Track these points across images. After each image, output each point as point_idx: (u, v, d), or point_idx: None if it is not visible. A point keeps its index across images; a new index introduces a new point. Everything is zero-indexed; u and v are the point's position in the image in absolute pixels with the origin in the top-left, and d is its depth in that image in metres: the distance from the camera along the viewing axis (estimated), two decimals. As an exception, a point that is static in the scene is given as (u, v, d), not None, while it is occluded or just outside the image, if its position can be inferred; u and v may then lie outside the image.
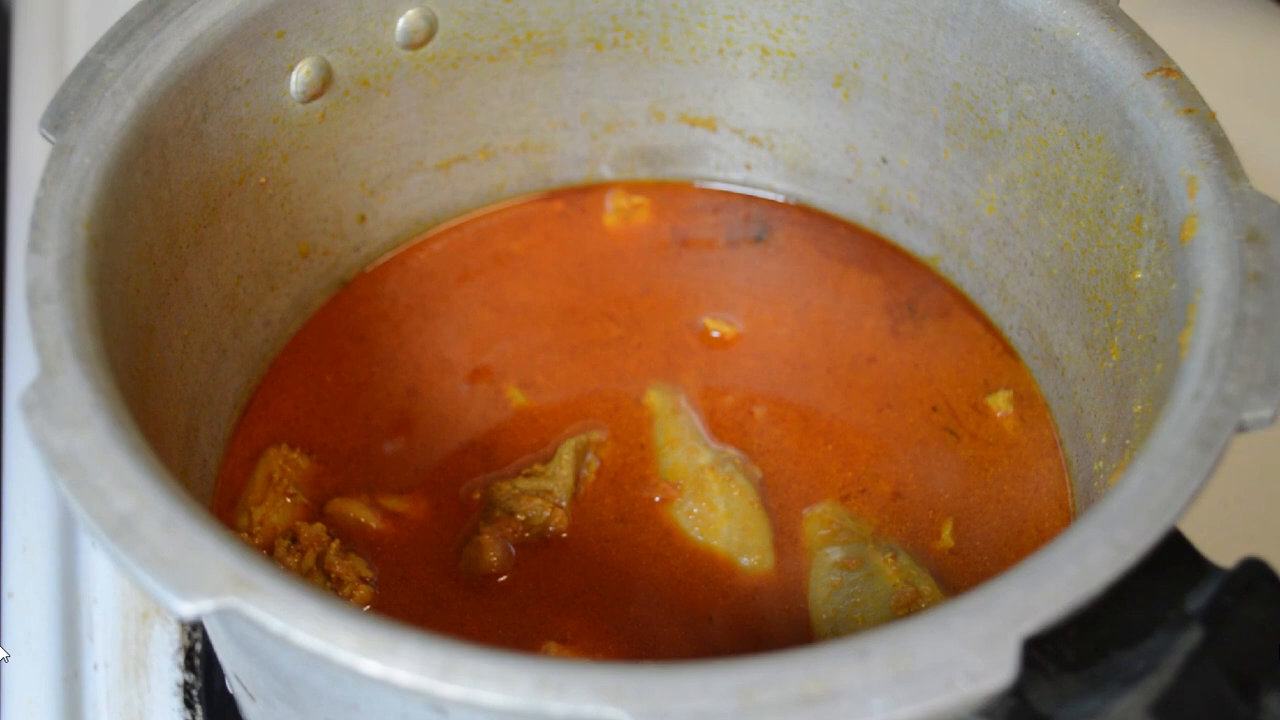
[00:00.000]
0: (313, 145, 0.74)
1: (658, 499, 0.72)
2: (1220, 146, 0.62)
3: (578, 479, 0.72)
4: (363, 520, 0.71)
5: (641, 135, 0.83)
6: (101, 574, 0.80)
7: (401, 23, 0.74)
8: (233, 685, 0.68)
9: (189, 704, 0.76)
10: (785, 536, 0.71)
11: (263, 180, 0.73)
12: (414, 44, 0.75)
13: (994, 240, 0.76)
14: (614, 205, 0.83)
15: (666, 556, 0.70)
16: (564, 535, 0.71)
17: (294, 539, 0.70)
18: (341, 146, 0.76)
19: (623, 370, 0.77)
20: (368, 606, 0.68)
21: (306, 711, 0.58)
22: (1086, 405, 0.71)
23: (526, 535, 0.71)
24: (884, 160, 0.79)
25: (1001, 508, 0.72)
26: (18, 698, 0.76)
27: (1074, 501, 0.72)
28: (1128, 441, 0.64)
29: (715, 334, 0.79)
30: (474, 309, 0.79)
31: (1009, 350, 0.77)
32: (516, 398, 0.76)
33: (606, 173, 0.84)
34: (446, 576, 0.70)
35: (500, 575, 0.70)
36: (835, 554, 0.70)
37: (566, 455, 0.72)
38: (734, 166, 0.83)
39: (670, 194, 0.84)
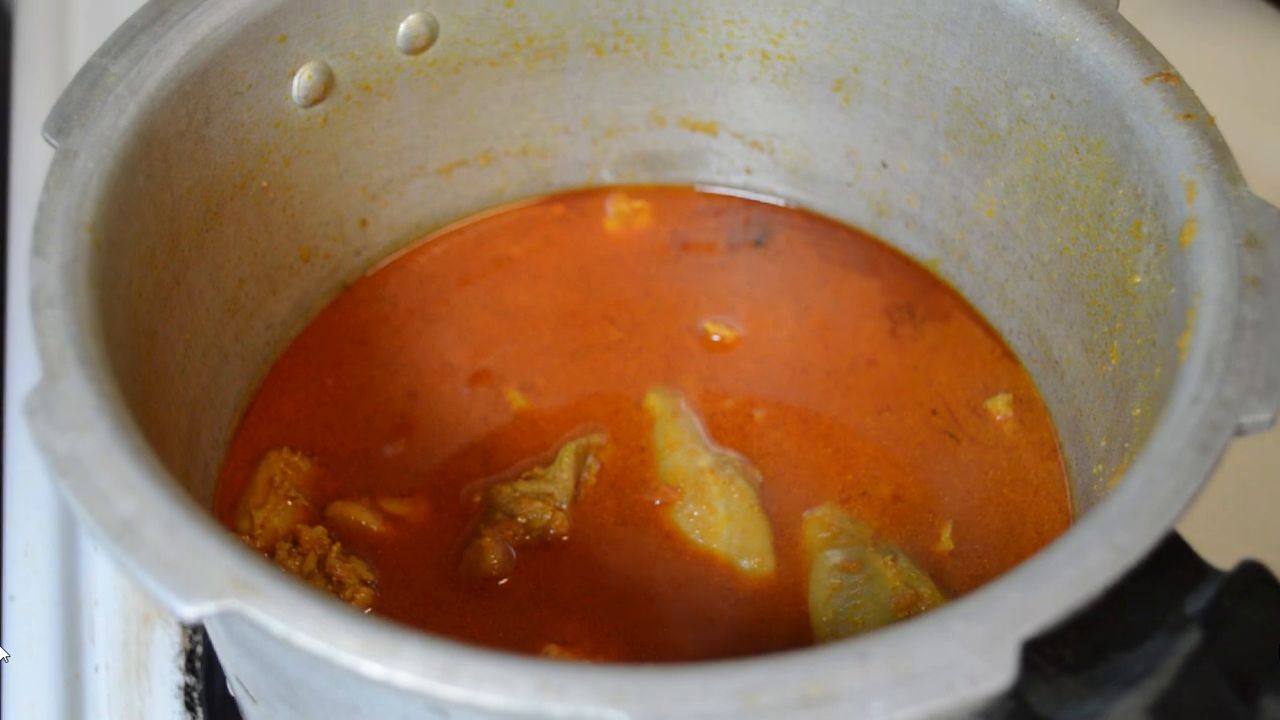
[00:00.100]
0: (314, 150, 0.75)
1: (658, 502, 0.72)
2: (1219, 151, 0.62)
3: (578, 482, 0.73)
4: (364, 523, 0.71)
5: (642, 139, 0.83)
6: (103, 577, 0.80)
7: (403, 28, 0.74)
8: (234, 688, 0.69)
9: (190, 706, 0.76)
10: (785, 539, 0.71)
11: (264, 184, 0.73)
12: (415, 49, 0.75)
13: (993, 244, 0.76)
14: (615, 209, 0.84)
15: (667, 559, 0.71)
16: (564, 538, 0.71)
17: (295, 542, 0.70)
18: (343, 151, 0.76)
19: (623, 373, 0.77)
20: (369, 609, 0.68)
21: (308, 714, 0.58)
22: (1086, 409, 0.71)
23: (527, 538, 0.71)
24: (884, 164, 0.79)
25: (1001, 510, 0.72)
26: (19, 700, 0.76)
27: (1073, 504, 0.72)
28: (1127, 445, 0.64)
29: (715, 337, 0.79)
30: (475, 312, 0.80)
31: (1008, 354, 0.77)
32: (517, 401, 0.76)
33: (607, 177, 0.84)
34: (447, 579, 0.70)
35: (501, 578, 0.70)
36: (835, 557, 0.70)
37: (567, 458, 0.73)
38: (734, 171, 0.83)
39: (671, 198, 0.84)
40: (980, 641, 0.49)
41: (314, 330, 0.79)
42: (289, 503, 0.72)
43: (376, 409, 0.76)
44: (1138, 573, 0.51)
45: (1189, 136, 0.62)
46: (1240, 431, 0.54)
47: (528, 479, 0.72)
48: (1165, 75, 0.65)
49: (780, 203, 0.83)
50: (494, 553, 0.70)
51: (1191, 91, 0.64)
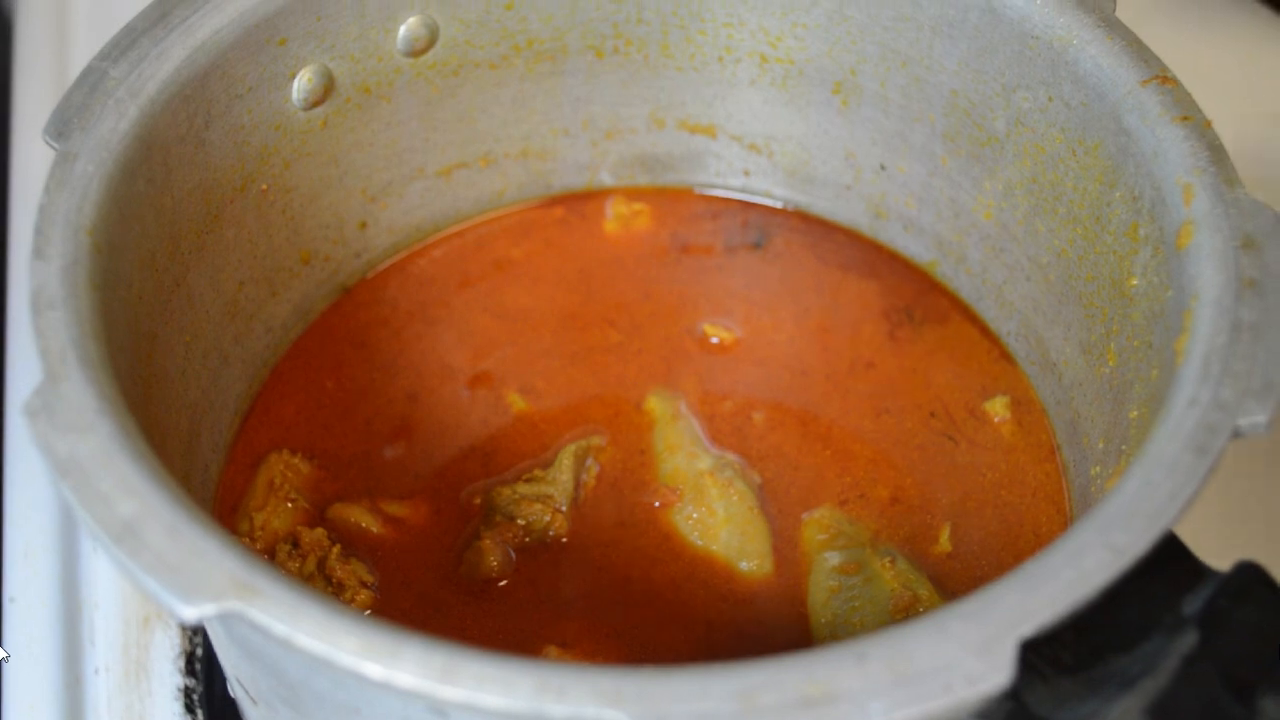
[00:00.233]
0: (314, 152, 0.75)
1: (657, 504, 0.72)
2: (1216, 153, 0.62)
3: (578, 484, 0.73)
4: (364, 525, 0.71)
5: (641, 142, 0.83)
6: (103, 579, 0.80)
7: (403, 30, 0.74)
8: (234, 689, 0.69)
9: (190, 708, 0.76)
10: (784, 541, 0.71)
11: (264, 187, 0.73)
12: (415, 51, 0.75)
13: (991, 246, 0.76)
14: (614, 212, 0.84)
15: (666, 561, 0.71)
16: (564, 540, 0.71)
17: (295, 544, 0.70)
18: (343, 153, 0.76)
19: (623, 376, 0.77)
20: (369, 611, 0.68)
21: (308, 715, 0.59)
22: (1083, 410, 0.71)
23: (527, 540, 0.71)
24: (882, 167, 0.79)
25: (999, 512, 0.72)
26: (19, 702, 0.76)
27: (1071, 506, 0.72)
28: (1124, 447, 0.64)
29: (714, 340, 0.79)
30: (475, 315, 0.80)
31: (1006, 356, 0.77)
32: (517, 403, 0.76)
33: (607, 179, 0.84)
34: (447, 581, 0.70)
35: (501, 580, 0.70)
36: (834, 558, 0.70)
37: (567, 460, 0.73)
38: (733, 173, 0.84)
39: (670, 200, 0.84)
40: (978, 642, 0.49)
41: (314, 333, 0.79)
42: (289, 505, 0.72)
43: (376, 411, 0.76)
44: (1135, 574, 0.51)
45: (1186, 139, 0.63)
46: (1237, 434, 0.54)
47: (527, 481, 0.72)
48: (1162, 78, 0.65)
49: (779, 205, 0.84)
50: (494, 554, 0.70)
51: (1188, 94, 0.64)
